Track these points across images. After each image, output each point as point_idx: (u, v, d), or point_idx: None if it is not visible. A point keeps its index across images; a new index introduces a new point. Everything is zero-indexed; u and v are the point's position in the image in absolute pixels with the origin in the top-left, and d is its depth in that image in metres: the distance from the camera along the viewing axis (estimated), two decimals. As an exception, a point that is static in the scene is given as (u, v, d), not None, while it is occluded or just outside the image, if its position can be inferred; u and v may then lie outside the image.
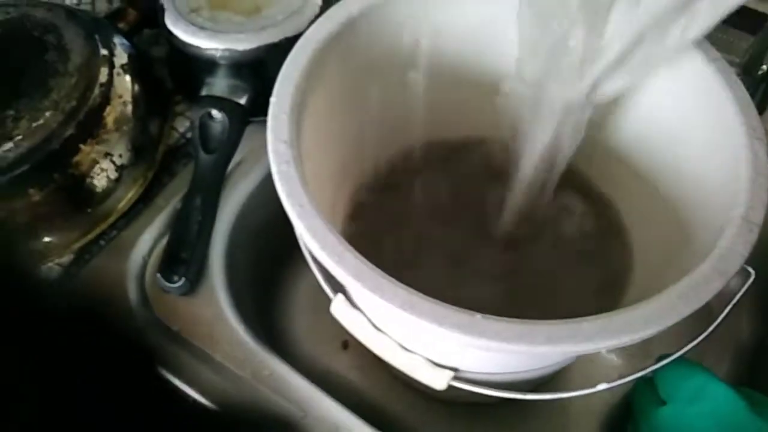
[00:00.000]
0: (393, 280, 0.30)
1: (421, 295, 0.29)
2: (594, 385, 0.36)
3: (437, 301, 0.29)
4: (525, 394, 0.37)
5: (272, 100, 0.35)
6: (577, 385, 0.37)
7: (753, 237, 0.30)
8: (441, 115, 0.46)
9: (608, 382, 0.36)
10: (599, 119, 0.43)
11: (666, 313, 0.29)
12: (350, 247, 0.31)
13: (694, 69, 0.37)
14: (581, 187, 0.46)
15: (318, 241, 0.31)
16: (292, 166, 0.33)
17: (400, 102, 0.45)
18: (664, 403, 0.39)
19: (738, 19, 0.49)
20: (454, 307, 0.29)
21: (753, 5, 0.49)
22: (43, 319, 0.22)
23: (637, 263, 0.43)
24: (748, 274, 0.33)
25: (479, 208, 0.45)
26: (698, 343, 0.36)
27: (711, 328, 0.35)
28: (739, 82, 0.35)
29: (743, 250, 0.30)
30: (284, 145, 0.33)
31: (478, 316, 0.29)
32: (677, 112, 0.39)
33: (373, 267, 0.30)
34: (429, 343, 0.35)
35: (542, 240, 0.45)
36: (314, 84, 0.37)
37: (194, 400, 0.38)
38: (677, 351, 0.36)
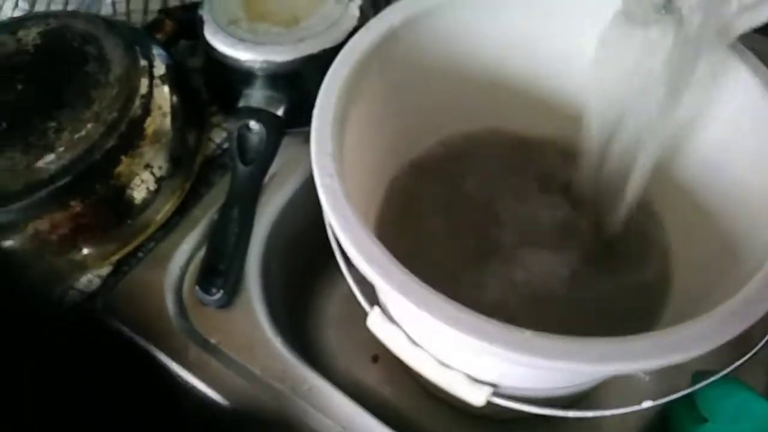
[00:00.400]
0: (440, 294, 0.29)
1: (469, 310, 0.29)
2: (639, 402, 0.35)
3: (486, 318, 0.29)
4: (567, 411, 0.36)
5: (315, 112, 0.35)
6: (612, 402, 0.36)
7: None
8: (479, 119, 0.46)
9: (647, 398, 0.35)
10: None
11: (719, 330, 0.28)
12: (396, 261, 0.30)
13: (741, 82, 0.36)
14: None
15: (363, 254, 0.30)
16: (336, 179, 0.33)
17: (439, 107, 0.45)
18: (705, 420, 0.39)
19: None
20: (504, 324, 0.28)
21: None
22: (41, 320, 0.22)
23: (677, 278, 0.42)
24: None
25: (517, 212, 0.45)
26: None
27: (761, 344, 0.34)
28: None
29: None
30: (328, 157, 0.33)
31: (528, 333, 0.28)
32: (724, 125, 0.38)
33: (420, 281, 0.30)
34: (468, 358, 0.35)
35: (580, 249, 0.44)
36: (355, 95, 0.37)
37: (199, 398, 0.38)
38: (721, 369, 0.35)
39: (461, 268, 0.43)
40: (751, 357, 0.35)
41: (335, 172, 0.33)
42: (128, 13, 0.53)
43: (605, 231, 0.43)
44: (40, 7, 0.54)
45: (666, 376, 0.49)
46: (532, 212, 0.45)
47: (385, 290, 0.30)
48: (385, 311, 0.37)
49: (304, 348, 0.46)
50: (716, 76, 0.37)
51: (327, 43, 0.43)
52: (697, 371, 0.42)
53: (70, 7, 0.54)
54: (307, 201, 0.45)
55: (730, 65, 0.36)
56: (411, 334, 0.36)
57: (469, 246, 0.44)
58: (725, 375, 0.35)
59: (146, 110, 0.41)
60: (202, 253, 0.42)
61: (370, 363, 0.50)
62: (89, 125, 0.40)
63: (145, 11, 0.53)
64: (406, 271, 0.30)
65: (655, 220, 0.44)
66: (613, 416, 0.38)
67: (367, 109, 0.39)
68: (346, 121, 0.36)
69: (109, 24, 0.45)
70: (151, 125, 0.41)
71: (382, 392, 0.49)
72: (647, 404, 0.35)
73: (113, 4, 0.53)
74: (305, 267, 0.50)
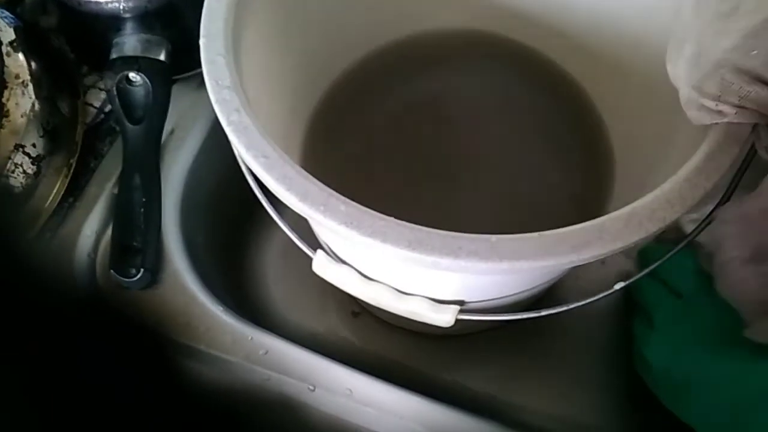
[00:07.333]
0: (394, 219, 0.26)
1: (427, 229, 0.26)
2: (610, 287, 0.33)
3: (447, 233, 0.26)
4: (540, 312, 0.34)
5: (202, 42, 0.30)
6: (580, 293, 0.34)
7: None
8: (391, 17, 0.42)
9: (611, 282, 0.33)
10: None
11: (689, 191, 0.26)
12: (336, 194, 0.27)
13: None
14: (553, 78, 0.43)
15: (296, 193, 0.26)
16: (244, 113, 0.28)
17: (343, 12, 0.40)
18: (679, 296, 0.38)
19: None
20: (467, 235, 0.26)
21: None
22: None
23: (619, 163, 0.40)
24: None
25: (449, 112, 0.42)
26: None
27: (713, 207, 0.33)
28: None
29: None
30: (227, 90, 0.29)
31: (494, 238, 0.25)
32: None
33: (371, 211, 0.26)
34: (428, 281, 0.32)
35: (513, 141, 0.42)
36: (245, 14, 0.32)
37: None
38: (685, 238, 0.34)
39: (404, 188, 0.40)
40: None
41: (240, 105, 0.28)
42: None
43: None
44: None
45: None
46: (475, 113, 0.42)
47: (333, 228, 0.26)
48: (329, 252, 0.33)
49: (251, 311, 0.42)
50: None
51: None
52: (640, 248, 0.41)
53: None
54: (217, 152, 0.41)
55: None
56: (362, 270, 0.33)
57: (411, 163, 0.41)
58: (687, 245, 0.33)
59: (1, 82, 0.35)
60: (109, 233, 0.37)
61: (322, 309, 0.47)
62: (-65, 111, 0.33)
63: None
64: (353, 202, 0.26)
65: (591, 105, 0.42)
66: (584, 306, 0.37)
67: (262, 30, 0.34)
68: (240, 46, 0.31)
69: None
70: (11, 99, 0.35)
71: (343, 336, 0.46)
72: (619, 285, 0.33)
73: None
74: (233, 224, 0.45)
